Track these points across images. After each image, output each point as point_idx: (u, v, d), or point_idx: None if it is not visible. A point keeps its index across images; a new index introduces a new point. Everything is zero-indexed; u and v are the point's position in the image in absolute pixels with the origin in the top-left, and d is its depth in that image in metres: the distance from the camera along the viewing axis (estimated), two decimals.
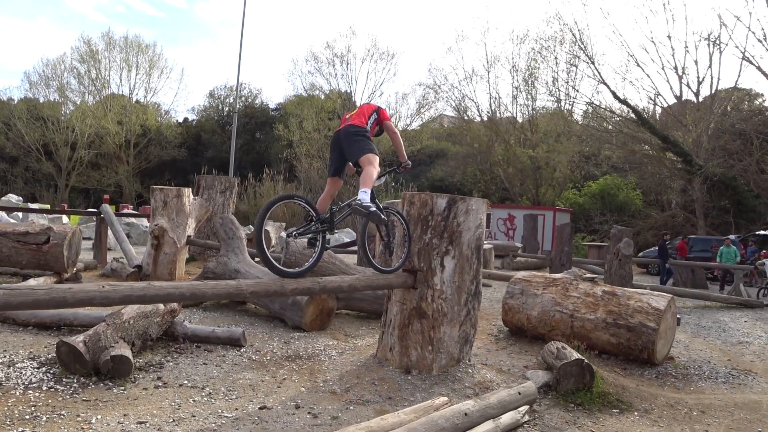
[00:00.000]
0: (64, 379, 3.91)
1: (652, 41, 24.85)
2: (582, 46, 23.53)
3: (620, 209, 24.88)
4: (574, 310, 5.59)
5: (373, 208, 3.70)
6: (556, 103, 26.74)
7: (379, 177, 4.38)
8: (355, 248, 13.97)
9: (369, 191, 3.78)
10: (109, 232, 10.84)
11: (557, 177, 27.18)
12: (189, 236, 9.55)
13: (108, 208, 10.98)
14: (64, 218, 18.07)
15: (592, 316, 5.45)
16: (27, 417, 3.27)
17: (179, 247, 9.27)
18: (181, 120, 49.59)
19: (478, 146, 30.03)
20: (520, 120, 29.09)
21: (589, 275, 6.05)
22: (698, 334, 7.54)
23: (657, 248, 14.98)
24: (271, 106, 49.53)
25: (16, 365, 4.15)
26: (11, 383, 3.78)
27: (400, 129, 39.73)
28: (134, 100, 43.67)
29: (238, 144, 46.16)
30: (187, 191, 9.79)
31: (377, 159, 4.04)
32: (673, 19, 25.56)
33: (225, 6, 77.71)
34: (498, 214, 22.25)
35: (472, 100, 29.72)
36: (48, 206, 26.38)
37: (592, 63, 23.66)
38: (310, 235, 3.70)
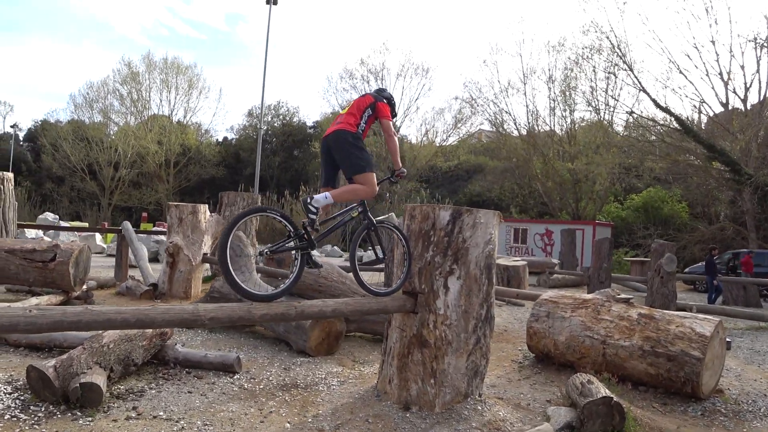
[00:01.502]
0: (31, 407, 3.60)
1: (695, 47, 23.55)
2: (620, 53, 22.60)
3: (665, 223, 23.57)
4: (606, 335, 4.97)
5: (315, 218, 3.29)
6: (595, 114, 25.78)
7: None
8: (382, 266, 13.52)
9: (329, 200, 3.37)
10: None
11: (597, 190, 26.09)
12: (205, 254, 9.32)
13: (128, 226, 10.92)
14: (98, 236, 18.34)
15: (626, 342, 4.82)
16: None
17: (194, 265, 9.05)
18: (220, 139, 50.63)
19: (515, 160, 29.25)
20: (559, 132, 28.19)
21: (623, 295, 5.41)
22: (752, 361, 6.70)
23: (704, 263, 13.91)
24: (309, 123, 50.06)
25: None
26: None
27: (437, 144, 39.14)
28: (175, 120, 44.84)
29: (275, 162, 46.83)
30: (204, 208, 9.60)
31: (373, 179, 3.61)
32: (717, 23, 24.10)
33: (265, 27, 79.52)
34: (535, 229, 21.39)
35: (509, 114, 29.03)
36: (81, 224, 27.02)
37: (631, 71, 22.66)
38: (286, 253, 3.30)
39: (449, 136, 39.91)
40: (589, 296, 5.51)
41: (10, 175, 9.55)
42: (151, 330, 4.53)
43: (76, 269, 6.75)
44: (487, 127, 35.95)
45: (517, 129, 28.65)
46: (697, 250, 20.74)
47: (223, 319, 2.79)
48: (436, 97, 74.01)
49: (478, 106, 30.55)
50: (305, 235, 3.28)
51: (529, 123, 28.20)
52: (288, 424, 3.60)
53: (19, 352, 4.97)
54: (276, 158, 47.19)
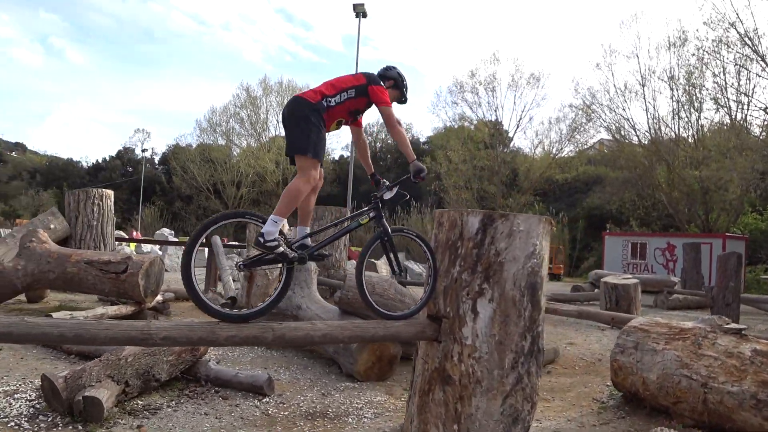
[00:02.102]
0: (39, 416, 3.51)
1: None
2: (750, 44, 19.62)
3: None
4: (708, 376, 3.88)
5: (279, 248, 2.72)
6: (725, 115, 22.66)
7: (389, 188, 3.37)
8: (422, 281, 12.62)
9: (281, 222, 2.80)
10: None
11: (730, 199, 22.77)
12: None
13: (217, 240, 11.28)
14: (206, 250, 19.43)
15: (734, 387, 3.71)
16: None
17: (270, 279, 9.01)
18: (336, 157, 52.42)
19: (637, 170, 26.61)
20: (686, 137, 25.18)
21: (733, 325, 4.25)
22: None
23: None
24: (422, 139, 50.22)
25: (16, 394, 3.88)
26: None
27: (552, 155, 36.95)
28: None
29: (390, 178, 47.38)
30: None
31: (310, 166, 2.97)
32: None
33: (382, 48, 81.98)
34: (655, 243, 19.08)
35: (627, 120, 26.50)
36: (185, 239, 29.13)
37: (764, 62, 19.56)
38: (266, 267, 2.83)
39: (564, 146, 37.60)
40: (689, 325, 4.41)
41: (110, 192, 10.30)
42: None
43: (146, 281, 6.89)
44: (604, 135, 33.32)
45: (637, 135, 26.03)
46: None
47: (180, 339, 2.40)
48: (549, 106, 70.70)
49: (593, 113, 28.29)
50: (290, 248, 2.80)
51: (650, 128, 25.52)
52: None
53: (70, 359, 5.04)
54: (390, 174, 47.83)
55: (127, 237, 19.65)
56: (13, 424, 3.36)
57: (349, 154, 54.97)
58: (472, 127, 39.40)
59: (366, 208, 3.27)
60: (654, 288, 13.13)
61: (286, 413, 4.04)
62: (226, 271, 10.13)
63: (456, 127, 40.87)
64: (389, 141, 53.66)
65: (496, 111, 38.95)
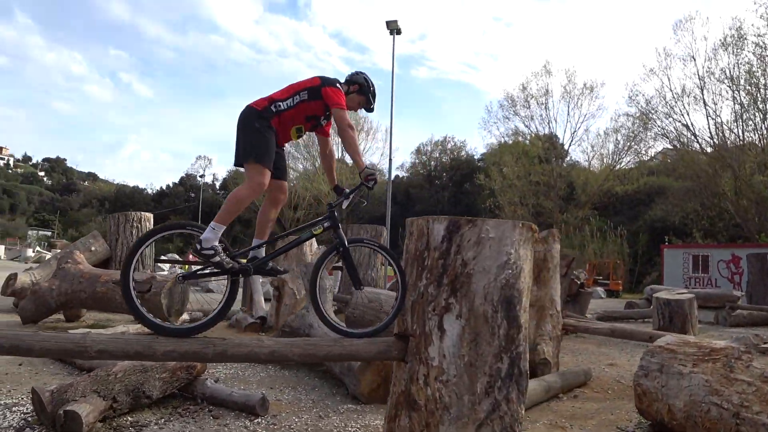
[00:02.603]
0: (26, 429, 3.58)
1: None
2: None
3: None
4: (740, 404, 3.39)
5: (216, 257, 2.58)
6: None
7: (346, 196, 3.18)
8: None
9: (221, 230, 2.67)
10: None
11: None
12: None
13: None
14: None
15: None
16: None
17: (298, 299, 8.96)
18: (392, 177, 52.80)
19: (700, 179, 25.03)
20: (754, 141, 23.44)
21: None
22: None
23: None
24: (476, 156, 49.86)
25: (14, 407, 4.02)
26: None
27: (611, 167, 35.36)
28: (350, 162, 47.92)
29: (445, 197, 47.08)
30: (310, 241, 9.55)
31: (257, 173, 2.84)
32: None
33: (439, 68, 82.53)
34: (719, 255, 17.71)
35: (686, 126, 25.03)
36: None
37: None
38: (206, 279, 2.72)
39: (622, 157, 36.01)
40: (721, 344, 3.90)
41: (149, 215, 10.68)
42: (174, 363, 4.28)
43: (169, 300, 6.99)
44: (664, 144, 31.62)
45: (698, 142, 24.50)
46: None
47: (116, 353, 2.31)
48: (605, 117, 68.22)
49: (649, 121, 26.93)
50: (234, 258, 2.67)
51: (711, 134, 23.96)
52: None
53: (83, 375, 5.10)
54: (445, 193, 47.52)
55: (180, 260, 20.39)
56: None
57: (404, 174, 55.04)
58: (527, 141, 38.60)
59: (321, 218, 3.10)
60: (716, 303, 12.09)
61: None
62: (258, 292, 10.19)
63: (510, 142, 40.20)
64: (444, 160, 53.33)
65: (549, 124, 37.93)
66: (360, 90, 3.28)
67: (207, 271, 2.72)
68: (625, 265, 27.35)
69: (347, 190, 3.20)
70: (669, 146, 30.31)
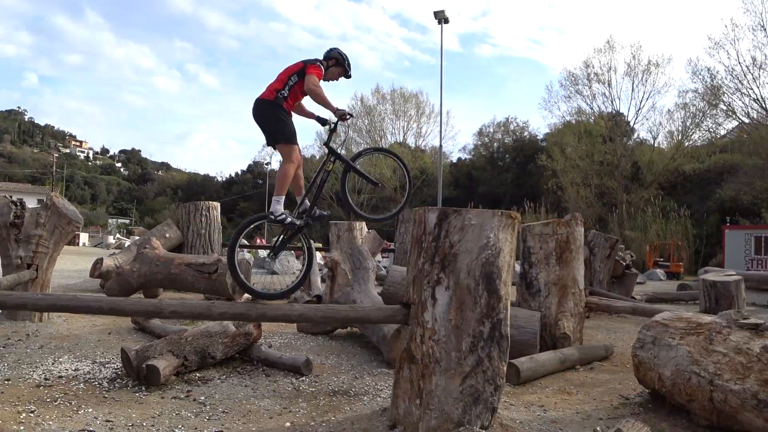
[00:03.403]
0: (117, 380, 4.51)
1: None
2: None
3: None
4: (714, 373, 3.80)
5: (288, 218, 3.33)
6: None
7: (333, 129, 3.93)
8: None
9: (282, 199, 3.42)
10: None
11: None
12: None
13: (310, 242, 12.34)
14: (318, 255, 21.11)
15: (737, 386, 3.61)
16: (48, 400, 3.92)
17: (350, 279, 9.78)
18: (454, 160, 52.73)
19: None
20: None
21: (753, 319, 4.03)
22: None
23: None
24: (540, 136, 49.07)
25: (107, 365, 4.99)
26: (87, 377, 4.59)
27: (676, 145, 33.90)
28: (413, 146, 48.46)
29: (507, 178, 46.77)
30: (359, 225, 10.32)
31: (291, 151, 3.59)
32: None
33: (502, 45, 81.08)
34: None
35: (756, 100, 23.73)
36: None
37: None
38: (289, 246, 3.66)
39: (691, 134, 34.41)
40: (707, 319, 4.28)
41: (217, 204, 11.83)
42: (234, 329, 5.16)
43: (233, 280, 7.97)
44: (734, 120, 29.95)
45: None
46: None
47: (184, 314, 3.12)
48: (671, 93, 64.58)
49: (714, 97, 25.68)
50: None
51: None
52: (288, 424, 3.73)
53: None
54: (508, 175, 47.09)
55: (248, 244, 21.96)
56: (96, 383, 4.39)
57: (467, 156, 54.77)
58: (592, 120, 37.59)
59: (325, 158, 3.92)
60: (763, 285, 11.84)
61: (313, 390, 4.66)
62: (314, 273, 11.12)
63: (573, 122, 39.25)
64: (506, 141, 52.70)
65: (612, 102, 36.67)
66: (337, 63, 4.03)
67: (284, 237, 3.58)
68: (689, 246, 26.44)
69: (331, 124, 3.94)
70: (745, 120, 28.77)
